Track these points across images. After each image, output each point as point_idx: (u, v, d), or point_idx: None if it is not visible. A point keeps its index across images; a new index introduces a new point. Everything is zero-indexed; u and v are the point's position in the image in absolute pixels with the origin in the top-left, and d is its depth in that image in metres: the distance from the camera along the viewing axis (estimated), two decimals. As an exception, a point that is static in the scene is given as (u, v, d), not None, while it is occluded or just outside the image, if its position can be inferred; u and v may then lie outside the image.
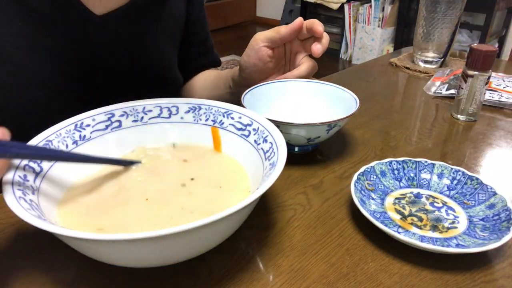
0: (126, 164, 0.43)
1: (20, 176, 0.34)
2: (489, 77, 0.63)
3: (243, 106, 0.52)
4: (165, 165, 0.44)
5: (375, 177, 0.47)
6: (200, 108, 0.47)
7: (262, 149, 0.41)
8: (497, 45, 2.82)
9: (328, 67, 3.15)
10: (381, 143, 0.59)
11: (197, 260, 0.38)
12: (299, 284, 0.35)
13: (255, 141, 0.43)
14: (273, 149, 0.39)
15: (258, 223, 0.42)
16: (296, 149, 0.55)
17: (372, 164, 0.48)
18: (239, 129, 0.45)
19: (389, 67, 0.94)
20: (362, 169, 0.47)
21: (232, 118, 0.45)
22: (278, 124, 0.48)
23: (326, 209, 0.45)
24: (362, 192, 0.44)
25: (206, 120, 0.47)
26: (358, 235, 0.41)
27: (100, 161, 0.42)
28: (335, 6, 3.20)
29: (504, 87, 0.76)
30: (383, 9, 2.99)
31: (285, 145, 0.39)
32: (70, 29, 0.51)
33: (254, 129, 0.43)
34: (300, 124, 0.48)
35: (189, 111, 0.47)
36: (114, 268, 0.36)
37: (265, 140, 0.41)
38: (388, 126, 0.65)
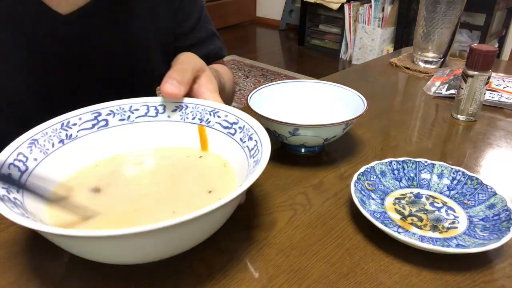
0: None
1: (4, 174, 0.34)
2: (489, 77, 0.63)
3: (249, 108, 0.52)
4: (153, 169, 0.45)
5: (375, 177, 0.47)
6: (187, 107, 0.46)
7: (247, 147, 0.41)
8: (497, 45, 2.82)
9: (328, 67, 3.15)
10: (381, 143, 0.59)
11: (197, 260, 0.38)
12: (299, 284, 0.36)
13: (240, 139, 0.43)
14: (257, 146, 0.39)
15: (258, 223, 0.42)
16: (303, 150, 0.55)
17: (372, 164, 0.48)
18: (225, 127, 0.45)
19: (389, 67, 0.94)
20: (362, 169, 0.47)
21: (219, 116, 0.45)
22: (298, 127, 0.48)
23: (326, 209, 0.45)
24: (362, 192, 0.44)
25: (193, 118, 0.46)
26: (358, 235, 0.41)
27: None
28: (335, 6, 3.20)
29: (504, 87, 0.76)
30: (383, 9, 2.99)
31: (269, 142, 0.38)
32: (35, 31, 0.50)
33: (240, 127, 0.43)
34: (321, 125, 0.49)
35: (175, 110, 0.47)
36: (112, 268, 0.37)
37: (250, 138, 0.41)
38: (388, 126, 0.65)
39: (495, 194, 0.43)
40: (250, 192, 0.47)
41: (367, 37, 3.10)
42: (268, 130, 0.52)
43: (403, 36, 3.02)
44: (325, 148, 0.57)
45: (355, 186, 0.44)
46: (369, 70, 0.93)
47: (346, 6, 3.15)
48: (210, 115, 0.46)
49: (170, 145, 0.47)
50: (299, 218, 0.43)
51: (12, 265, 0.37)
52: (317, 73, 2.90)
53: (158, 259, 0.34)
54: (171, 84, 0.44)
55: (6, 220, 0.42)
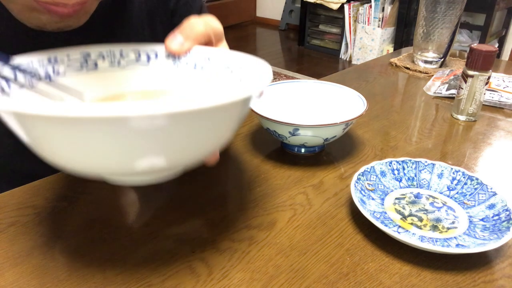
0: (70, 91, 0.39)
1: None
2: (489, 77, 0.63)
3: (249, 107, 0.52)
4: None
5: (375, 177, 0.47)
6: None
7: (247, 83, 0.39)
8: (497, 45, 2.82)
9: (328, 67, 3.15)
10: (381, 143, 0.59)
11: (197, 260, 0.38)
12: (299, 284, 0.36)
13: (240, 79, 0.40)
14: (260, 77, 0.37)
15: (258, 223, 0.42)
16: (303, 150, 0.55)
17: (372, 164, 0.48)
18: (222, 70, 0.42)
19: (389, 67, 0.94)
20: (362, 169, 0.47)
21: (214, 60, 0.43)
22: (297, 127, 0.48)
23: (326, 209, 0.45)
24: (362, 192, 0.44)
25: (187, 64, 0.44)
26: (358, 235, 0.41)
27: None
28: (335, 6, 3.20)
29: (504, 87, 0.76)
30: (383, 9, 3.00)
31: (271, 71, 0.37)
32: (30, 48, 0.49)
33: (239, 68, 0.41)
34: (321, 125, 0.49)
35: (168, 56, 0.45)
36: (112, 268, 0.37)
37: (250, 74, 0.39)
38: (388, 126, 0.65)
39: (495, 194, 0.43)
40: (250, 192, 0.47)
41: (367, 37, 3.10)
42: (268, 130, 0.52)
43: (403, 36, 3.02)
44: (325, 148, 0.57)
45: (355, 186, 0.44)
46: (369, 70, 0.93)
47: (346, 6, 3.15)
48: (205, 59, 0.43)
49: (160, 87, 0.45)
50: (299, 218, 0.43)
51: (12, 265, 0.37)
52: (317, 73, 2.90)
53: (151, 171, 0.31)
54: (173, 39, 0.42)
55: (6, 220, 0.42)
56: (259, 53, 3.54)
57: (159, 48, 0.45)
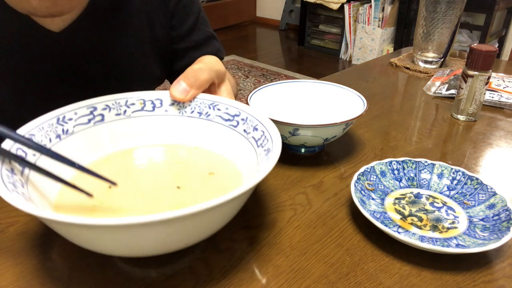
0: (102, 179, 0.39)
1: (7, 170, 0.34)
2: (489, 77, 0.63)
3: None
4: (157, 166, 0.45)
5: (375, 177, 0.47)
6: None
7: (253, 137, 0.41)
8: (497, 45, 2.82)
9: (328, 67, 3.15)
10: (381, 143, 0.59)
11: (197, 260, 0.38)
12: (299, 284, 0.36)
13: (244, 130, 0.42)
14: (265, 136, 0.39)
15: (258, 223, 0.42)
16: (303, 150, 0.55)
17: (372, 164, 0.48)
18: (227, 120, 0.44)
19: (389, 67, 0.94)
20: (362, 169, 0.47)
21: (219, 109, 0.45)
22: (297, 127, 0.48)
23: (326, 209, 0.45)
24: (362, 192, 0.44)
25: (192, 112, 0.46)
26: (358, 235, 0.41)
27: (79, 168, 0.38)
28: (335, 6, 3.20)
29: (504, 87, 0.76)
30: (383, 9, 2.99)
31: (277, 131, 0.38)
32: (28, 49, 0.50)
33: (242, 119, 0.43)
34: (321, 125, 0.49)
35: (173, 104, 0.46)
36: (112, 268, 0.37)
37: (255, 129, 0.41)
38: (388, 126, 0.65)
39: (495, 194, 0.43)
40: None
41: (367, 37, 3.10)
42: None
43: (403, 36, 3.02)
44: (325, 148, 0.57)
45: (355, 186, 0.44)
46: (369, 70, 0.93)
47: (346, 6, 3.15)
48: (210, 108, 0.45)
49: (169, 141, 0.47)
50: (299, 218, 0.43)
51: (12, 265, 0.37)
52: (317, 73, 2.90)
53: (164, 251, 0.34)
54: (177, 87, 0.44)
55: (6, 220, 0.42)
56: (259, 53, 3.54)
57: (164, 96, 0.47)
